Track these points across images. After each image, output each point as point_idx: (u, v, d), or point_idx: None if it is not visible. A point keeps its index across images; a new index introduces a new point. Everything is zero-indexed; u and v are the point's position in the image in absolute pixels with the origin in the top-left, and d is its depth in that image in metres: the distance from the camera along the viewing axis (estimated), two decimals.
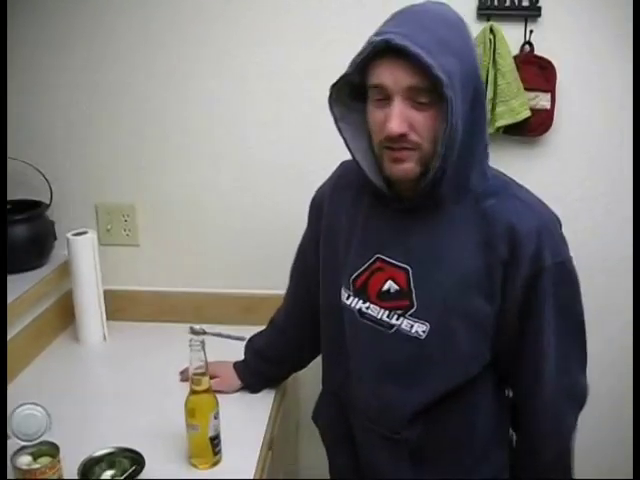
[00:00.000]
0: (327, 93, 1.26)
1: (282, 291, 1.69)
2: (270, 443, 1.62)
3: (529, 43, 1.81)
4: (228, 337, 1.96)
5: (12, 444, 1.33)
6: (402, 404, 1.32)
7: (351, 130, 1.28)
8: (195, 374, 1.40)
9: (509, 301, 1.25)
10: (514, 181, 1.31)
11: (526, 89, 1.81)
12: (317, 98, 1.31)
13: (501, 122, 1.81)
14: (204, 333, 1.97)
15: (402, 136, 1.16)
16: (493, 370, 1.35)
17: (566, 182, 1.93)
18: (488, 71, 1.78)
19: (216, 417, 1.43)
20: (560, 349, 1.29)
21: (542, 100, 1.82)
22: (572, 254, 1.29)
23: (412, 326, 1.28)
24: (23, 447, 1.31)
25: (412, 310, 1.27)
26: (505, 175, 1.32)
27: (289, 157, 1.98)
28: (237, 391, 1.70)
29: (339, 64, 1.24)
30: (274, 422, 1.68)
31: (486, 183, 1.27)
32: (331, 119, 1.28)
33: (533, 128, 1.85)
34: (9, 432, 1.31)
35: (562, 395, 1.32)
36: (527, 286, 1.23)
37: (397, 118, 1.15)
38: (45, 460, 1.30)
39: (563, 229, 1.30)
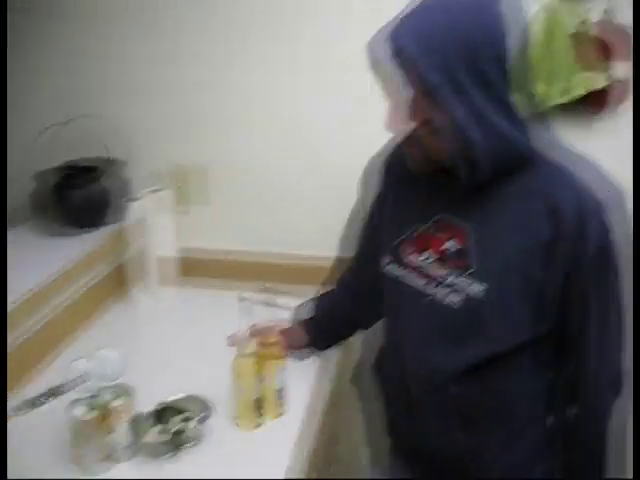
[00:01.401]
0: None
1: (347, 255, 1.71)
2: (333, 398, 1.66)
3: (587, 20, 1.76)
4: (280, 307, 1.95)
5: (90, 385, 1.39)
6: (451, 362, 1.33)
7: None
8: (250, 335, 1.47)
9: (563, 278, 1.25)
10: (578, 155, 1.32)
11: (582, 67, 1.76)
12: None
13: (555, 100, 1.77)
14: (265, 291, 1.99)
15: (399, 130, 1.24)
16: (549, 342, 1.35)
17: (620, 164, 1.88)
18: (543, 48, 1.75)
19: (281, 371, 1.48)
20: (605, 330, 1.30)
21: (599, 79, 1.77)
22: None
23: (470, 286, 1.29)
24: (100, 388, 1.37)
25: (470, 270, 1.29)
26: (567, 150, 1.32)
27: (359, 120, 1.97)
28: (303, 348, 1.74)
29: None
30: (338, 378, 1.71)
31: (540, 160, 1.27)
32: None
33: (589, 107, 1.81)
34: (82, 376, 1.36)
35: (604, 378, 1.34)
36: (575, 266, 1.24)
37: (390, 115, 1.23)
38: (120, 401, 1.35)
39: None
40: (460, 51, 1.14)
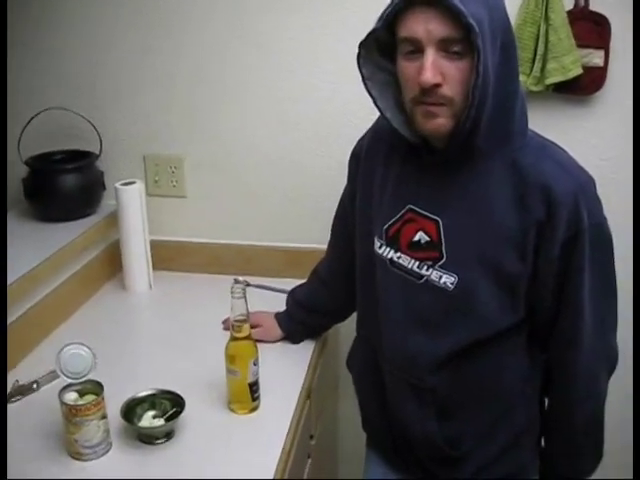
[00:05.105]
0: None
1: (326, 245, 1.70)
2: (308, 392, 1.65)
3: None
4: (271, 289, 1.98)
5: (60, 381, 1.38)
6: (428, 352, 1.34)
7: (378, 88, 1.29)
8: (236, 321, 1.43)
9: (544, 262, 1.25)
10: (552, 142, 1.30)
11: (579, 46, 1.75)
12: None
13: (551, 79, 1.77)
14: (247, 285, 2.00)
15: (436, 87, 1.16)
16: (525, 329, 1.35)
17: (613, 143, 1.88)
18: (539, 26, 1.74)
19: (255, 364, 1.46)
20: (595, 312, 1.29)
21: (595, 57, 1.77)
22: (608, 216, 1.28)
23: (441, 277, 1.29)
24: (69, 384, 1.36)
25: (441, 262, 1.29)
26: (542, 137, 1.31)
27: (335, 112, 1.98)
28: (278, 341, 1.73)
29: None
30: (313, 372, 1.70)
31: (523, 141, 1.26)
32: None
33: (584, 86, 1.80)
34: (57, 370, 1.35)
35: (597, 358, 1.33)
36: (564, 248, 1.23)
37: (431, 68, 1.15)
38: (90, 398, 1.34)
39: (602, 190, 1.28)
40: (493, 11, 1.15)
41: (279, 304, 1.77)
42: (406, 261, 1.33)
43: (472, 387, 1.36)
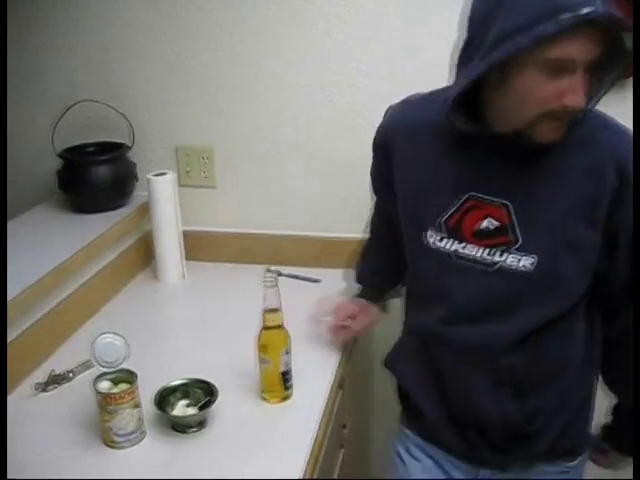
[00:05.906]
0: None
1: (358, 235, 1.69)
2: (341, 382, 1.65)
3: None
4: (302, 278, 1.98)
5: (94, 370, 1.40)
6: (502, 335, 1.32)
7: None
8: (268, 310, 1.43)
9: (618, 227, 1.25)
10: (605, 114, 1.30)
11: None
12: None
13: None
14: (279, 274, 2.00)
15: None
16: (588, 297, 1.35)
17: None
18: None
19: (287, 353, 1.46)
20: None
21: (628, 39, 1.73)
22: None
23: (519, 260, 1.27)
24: (104, 373, 1.37)
25: (517, 245, 1.27)
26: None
27: (367, 102, 1.96)
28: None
29: None
30: (346, 361, 1.70)
31: (587, 113, 1.24)
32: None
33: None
34: (91, 359, 1.37)
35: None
36: (632, 213, 1.23)
37: (583, 92, 1.14)
38: (124, 386, 1.35)
39: None
40: None
41: (311, 294, 1.77)
42: (473, 250, 1.31)
43: (545, 361, 1.36)
